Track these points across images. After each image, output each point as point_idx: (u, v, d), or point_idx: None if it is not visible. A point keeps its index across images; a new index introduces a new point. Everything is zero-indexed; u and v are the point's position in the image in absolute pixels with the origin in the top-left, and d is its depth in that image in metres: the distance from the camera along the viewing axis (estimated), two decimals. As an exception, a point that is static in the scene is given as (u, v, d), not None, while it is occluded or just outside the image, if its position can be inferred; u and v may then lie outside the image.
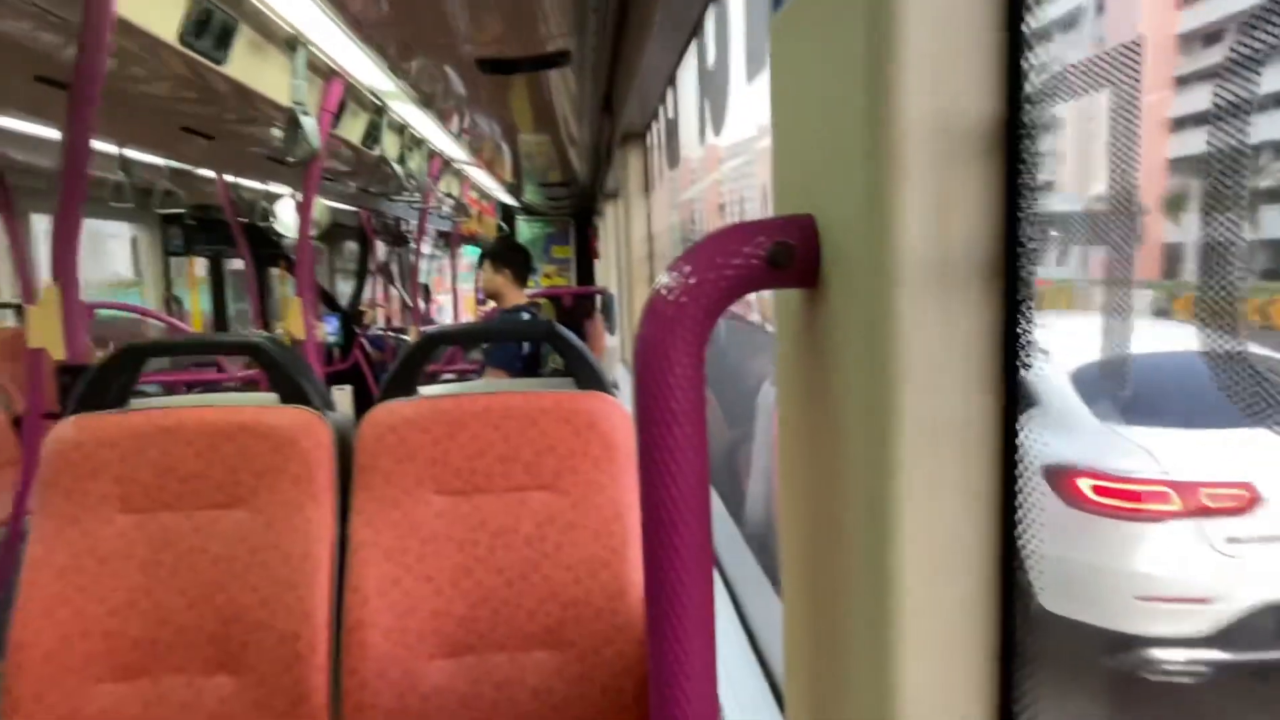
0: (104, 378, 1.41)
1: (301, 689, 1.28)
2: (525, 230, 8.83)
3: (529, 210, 8.67)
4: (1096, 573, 2.40)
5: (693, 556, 0.51)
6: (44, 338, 1.57)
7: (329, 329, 5.71)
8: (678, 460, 0.50)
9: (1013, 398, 0.42)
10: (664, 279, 0.51)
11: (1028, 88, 0.39)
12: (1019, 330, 0.41)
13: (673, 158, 2.77)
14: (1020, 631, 0.43)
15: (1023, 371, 0.41)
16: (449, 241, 7.88)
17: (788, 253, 0.50)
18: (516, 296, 3.26)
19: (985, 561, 0.43)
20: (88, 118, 1.51)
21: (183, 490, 1.35)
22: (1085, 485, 2.36)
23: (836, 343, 0.49)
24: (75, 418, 1.38)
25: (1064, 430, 2.54)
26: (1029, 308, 0.41)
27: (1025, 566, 0.43)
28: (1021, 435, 0.42)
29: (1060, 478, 2.41)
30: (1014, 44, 0.39)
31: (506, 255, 3.23)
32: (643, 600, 0.54)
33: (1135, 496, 2.37)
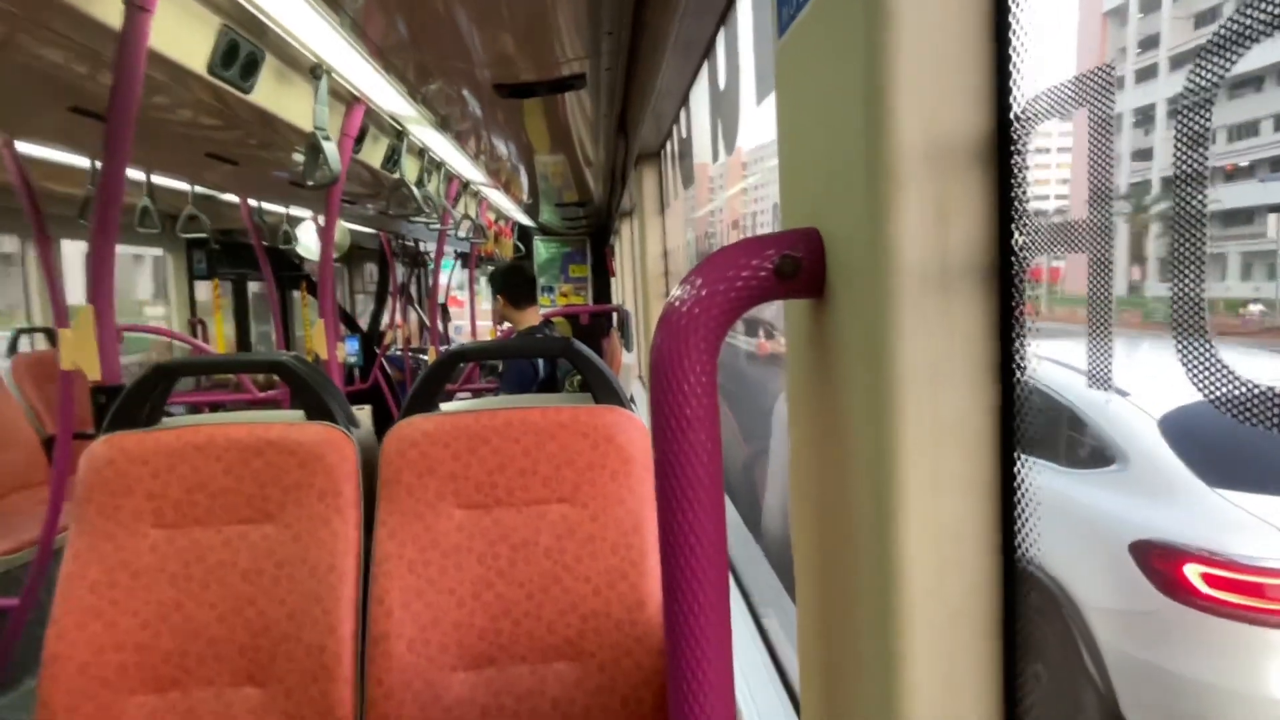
0: (137, 397, 1.45)
1: (328, 700, 1.31)
2: (542, 250, 8.90)
3: (546, 230, 8.74)
4: (1211, 693, 1.78)
5: (708, 560, 0.52)
6: (79, 359, 1.62)
7: (349, 350, 5.78)
8: (693, 464, 0.52)
9: (1009, 396, 0.44)
10: (677, 291, 0.54)
11: (1015, 105, 0.42)
12: (1014, 332, 0.43)
13: (686, 177, 2.80)
14: (1023, 619, 0.45)
15: (1018, 372, 0.44)
16: (466, 262, 7.98)
17: (794, 264, 0.52)
18: (528, 318, 3.28)
19: (987, 553, 0.45)
20: (123, 147, 1.57)
21: (213, 505, 1.39)
22: (1193, 574, 1.79)
23: (842, 348, 0.51)
24: (108, 436, 1.42)
25: (1156, 496, 1.94)
26: (1022, 311, 0.43)
27: (1027, 558, 0.45)
28: (1018, 432, 0.44)
29: (1156, 561, 1.84)
30: (1002, 65, 0.42)
31: (497, 281, 3.32)
32: (661, 611, 0.55)
33: (1263, 592, 1.77)
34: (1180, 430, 1.98)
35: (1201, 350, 0.33)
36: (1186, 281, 0.33)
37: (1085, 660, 1.94)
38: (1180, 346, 0.33)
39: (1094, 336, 0.39)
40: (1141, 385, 2.04)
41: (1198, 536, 1.83)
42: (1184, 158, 0.33)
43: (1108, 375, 0.38)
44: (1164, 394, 2.01)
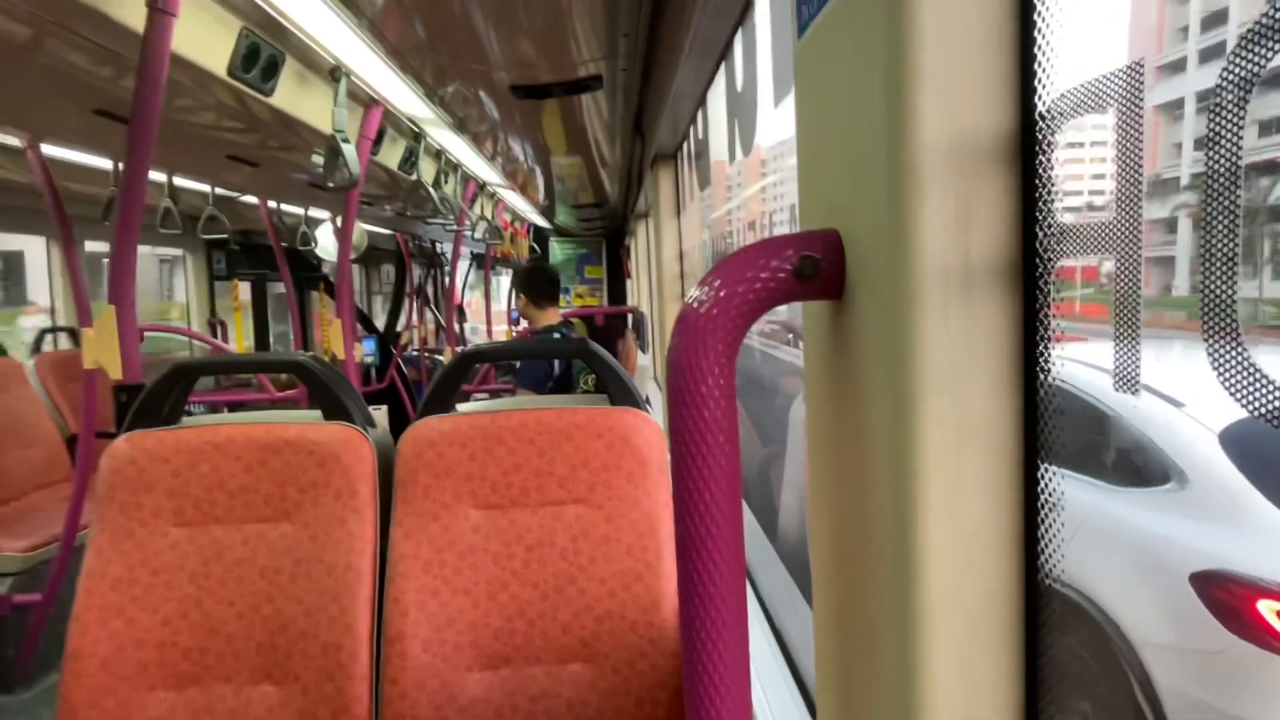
0: (157, 396, 1.47)
1: (344, 699, 1.31)
2: (558, 251, 8.92)
3: (561, 231, 8.76)
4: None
5: (725, 564, 0.52)
6: (101, 358, 1.64)
7: (366, 350, 5.82)
8: (710, 468, 0.52)
9: (1033, 400, 0.44)
10: (695, 293, 0.53)
11: (1040, 103, 0.41)
12: (1038, 335, 0.43)
13: (703, 178, 2.80)
14: (1044, 626, 0.45)
15: (1042, 375, 0.43)
16: (482, 264, 8.01)
17: (814, 266, 0.52)
18: (547, 317, 3.31)
19: (1009, 558, 0.45)
20: (146, 149, 1.58)
21: (232, 504, 1.40)
22: (1268, 611, 1.59)
23: (862, 351, 0.51)
24: (130, 435, 1.43)
25: (1220, 521, 1.74)
26: (1047, 313, 0.42)
27: (1050, 565, 0.45)
28: (1042, 436, 0.44)
29: (1223, 594, 1.63)
30: (1026, 64, 0.41)
31: (521, 280, 3.36)
32: (676, 614, 0.55)
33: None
34: (1246, 445, 1.72)
35: (1236, 356, 0.32)
36: (1217, 280, 0.32)
37: (1140, 701, 1.75)
38: (1213, 351, 0.33)
39: (1121, 338, 0.39)
40: (1199, 395, 1.84)
41: (1273, 569, 1.62)
42: (1218, 150, 0.32)
43: (1135, 378, 0.38)
44: (1226, 404, 1.80)
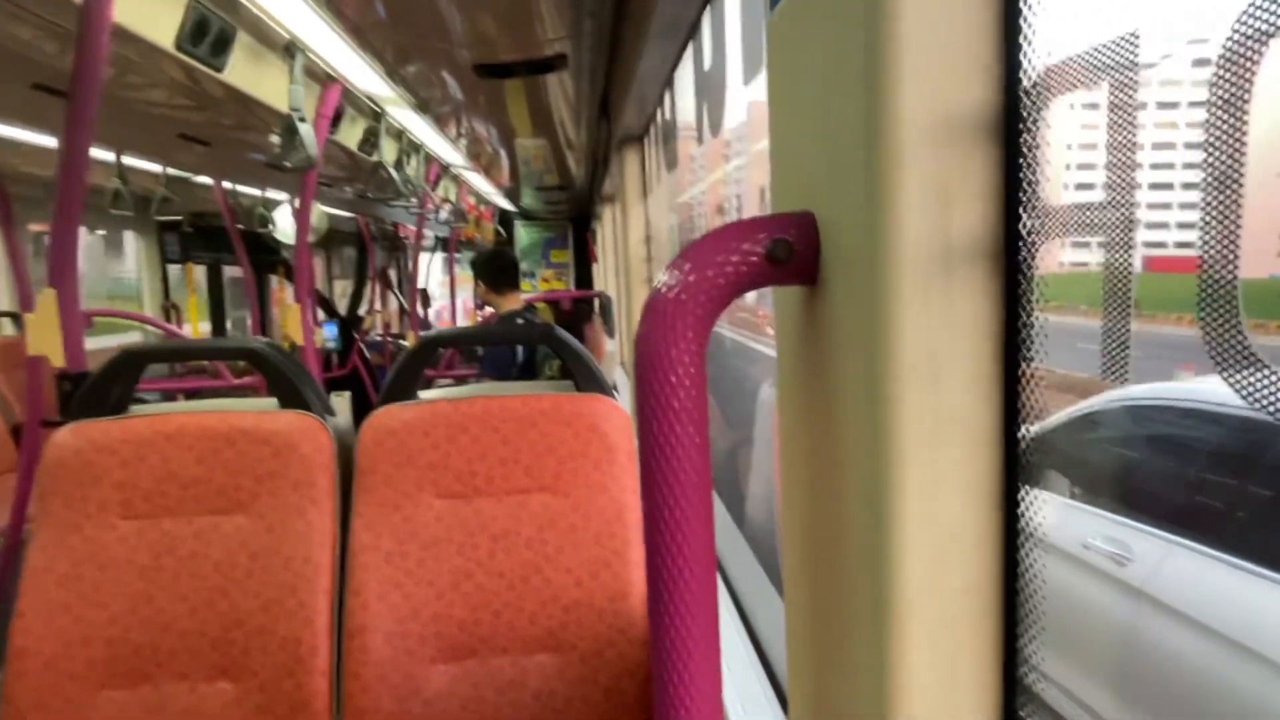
0: (103, 384, 1.41)
1: (303, 694, 1.28)
2: (524, 235, 8.83)
3: (527, 215, 8.67)
4: None
5: (695, 555, 0.50)
6: (43, 345, 1.57)
7: (328, 335, 5.71)
8: (679, 458, 0.49)
9: (1014, 390, 0.42)
10: (664, 277, 0.51)
11: (1025, 80, 0.39)
12: (1020, 322, 0.41)
13: (670, 160, 2.77)
14: (1022, 623, 0.43)
15: (1024, 364, 0.41)
16: (446, 247, 7.90)
17: (787, 249, 0.50)
18: (509, 303, 3.27)
19: (987, 553, 0.43)
20: (85, 125, 1.51)
21: (184, 496, 1.35)
22: None
23: (837, 338, 0.49)
24: (75, 425, 1.37)
25: None
26: (1030, 299, 0.41)
27: (1028, 557, 0.43)
28: (1024, 428, 0.42)
29: None
30: (1010, 36, 0.39)
31: (480, 266, 3.32)
32: (645, 601, 0.53)
33: None
34: None
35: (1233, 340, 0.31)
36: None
37: None
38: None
39: (1110, 328, 0.37)
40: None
41: None
42: (1218, 119, 0.30)
43: (1124, 369, 0.36)
44: None
